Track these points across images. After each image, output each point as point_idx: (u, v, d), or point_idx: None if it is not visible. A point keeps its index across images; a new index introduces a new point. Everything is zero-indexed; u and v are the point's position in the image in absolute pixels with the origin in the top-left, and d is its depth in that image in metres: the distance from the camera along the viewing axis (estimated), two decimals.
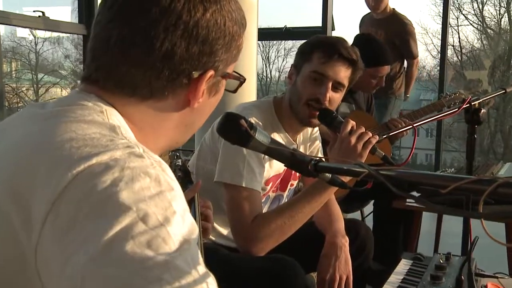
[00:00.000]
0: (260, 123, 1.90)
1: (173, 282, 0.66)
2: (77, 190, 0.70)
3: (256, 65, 3.96)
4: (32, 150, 0.78)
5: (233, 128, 1.20)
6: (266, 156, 1.86)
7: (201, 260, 0.72)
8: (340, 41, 1.94)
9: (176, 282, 0.66)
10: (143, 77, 0.87)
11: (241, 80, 1.02)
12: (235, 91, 1.03)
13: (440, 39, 5.70)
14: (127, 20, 0.85)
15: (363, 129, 1.84)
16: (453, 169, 3.02)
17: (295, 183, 2.19)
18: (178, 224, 0.71)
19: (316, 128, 2.21)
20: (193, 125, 1.00)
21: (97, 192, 0.69)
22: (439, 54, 6.48)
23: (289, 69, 2.04)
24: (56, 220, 0.69)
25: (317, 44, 1.95)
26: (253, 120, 1.85)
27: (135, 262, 0.65)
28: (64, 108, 0.85)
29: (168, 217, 0.70)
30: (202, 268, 0.71)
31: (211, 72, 0.91)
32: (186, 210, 0.74)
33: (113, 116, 0.85)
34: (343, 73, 1.92)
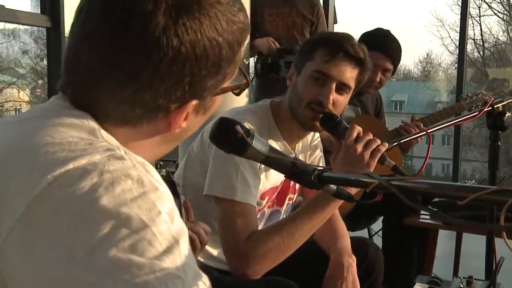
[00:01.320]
0: (256, 130, 1.91)
1: (161, 286, 0.71)
2: (54, 197, 0.75)
3: (249, 64, 4.02)
4: (5, 155, 0.83)
5: (227, 135, 1.24)
6: (262, 167, 1.93)
7: (193, 260, 0.78)
8: (346, 37, 1.97)
9: (164, 286, 0.72)
10: (115, 108, 0.90)
11: (242, 87, 1.04)
12: (238, 93, 1.06)
13: (459, 32, 5.70)
14: (96, 49, 0.88)
15: (370, 136, 1.87)
16: (474, 181, 3.05)
17: (293, 197, 2.23)
18: (165, 223, 0.76)
19: (317, 135, 2.26)
20: (180, 138, 1.04)
21: (75, 199, 0.74)
22: (457, 49, 6.53)
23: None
24: (28, 230, 0.74)
25: (320, 40, 2.00)
26: (248, 126, 1.88)
27: (119, 269, 0.71)
28: (41, 113, 0.91)
29: (152, 218, 0.75)
30: (193, 269, 0.77)
31: (194, 102, 0.93)
32: (174, 210, 0.79)
33: (93, 122, 0.90)
34: (349, 73, 1.95)
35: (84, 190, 0.75)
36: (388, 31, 3.32)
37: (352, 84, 1.98)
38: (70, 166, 0.77)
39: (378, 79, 3.21)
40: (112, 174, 0.77)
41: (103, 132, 0.88)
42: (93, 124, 0.89)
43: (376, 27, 3.36)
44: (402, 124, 3.13)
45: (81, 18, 0.90)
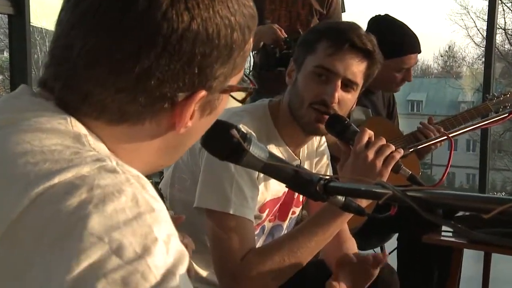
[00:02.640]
0: (253, 134, 1.91)
1: None
2: (36, 217, 0.75)
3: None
4: None
5: (222, 140, 1.26)
6: (261, 175, 1.94)
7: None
8: (352, 26, 1.99)
9: None
10: (112, 100, 0.90)
11: (250, 90, 1.06)
12: (242, 101, 1.09)
13: (487, 20, 5.70)
14: (92, 30, 0.88)
15: (383, 141, 1.89)
16: (504, 193, 3.05)
17: (297, 210, 2.24)
18: (161, 254, 0.76)
19: (324, 140, 2.28)
20: (182, 147, 1.05)
21: (61, 219, 0.74)
22: (484, 41, 6.51)
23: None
24: (9, 252, 0.75)
25: (322, 31, 2.02)
26: (244, 129, 1.87)
27: None
28: (14, 115, 0.89)
29: (148, 246, 0.75)
30: None
31: (202, 93, 0.94)
32: (172, 235, 0.80)
33: (79, 124, 0.90)
34: (356, 68, 1.97)
35: (72, 208, 0.75)
36: (389, 18, 3.39)
37: (359, 80, 1.99)
38: (55, 180, 0.77)
39: (411, 78, 3.34)
40: (103, 190, 0.77)
41: (90, 138, 0.88)
42: (78, 128, 0.89)
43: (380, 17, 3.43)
44: (420, 127, 3.15)
45: (72, 1, 0.91)
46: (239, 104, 1.18)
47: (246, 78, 1.06)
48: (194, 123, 0.98)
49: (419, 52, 3.33)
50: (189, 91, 0.93)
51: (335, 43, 1.95)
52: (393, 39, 3.18)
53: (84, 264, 0.72)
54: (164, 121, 0.95)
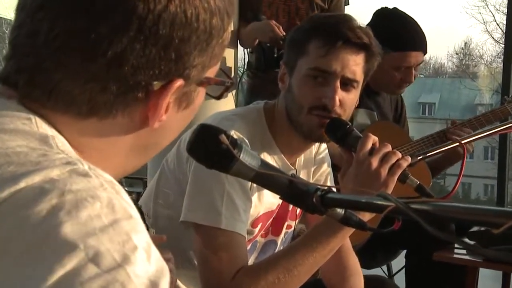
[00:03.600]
0: (246, 140, 1.92)
1: None
2: (2, 225, 0.75)
3: (236, 57, 3.99)
4: None
5: (209, 147, 1.26)
6: (254, 186, 1.95)
7: None
8: (344, 19, 1.99)
9: None
10: (82, 90, 0.90)
11: (227, 84, 1.08)
12: (219, 97, 1.09)
13: (506, 13, 5.66)
14: (61, 12, 0.88)
15: (389, 148, 1.89)
16: None
17: (293, 224, 2.24)
18: (142, 262, 0.76)
19: (324, 146, 2.28)
20: (156, 146, 1.06)
21: (30, 227, 0.74)
22: (504, 37, 6.48)
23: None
24: None
25: (311, 29, 2.01)
26: (235, 135, 1.89)
27: None
28: None
29: (127, 254, 0.75)
30: None
31: (179, 82, 0.96)
32: (152, 245, 0.80)
33: (45, 125, 0.90)
34: (354, 64, 1.97)
35: (41, 215, 0.74)
36: (393, 11, 3.39)
37: (359, 76, 1.99)
38: (22, 184, 0.77)
39: (412, 79, 3.30)
40: (75, 195, 0.77)
41: (58, 139, 0.88)
42: (44, 129, 0.89)
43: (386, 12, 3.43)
44: (450, 128, 3.16)
45: None
46: (226, 108, 1.19)
47: (223, 73, 1.07)
48: (170, 118, 0.99)
49: (423, 51, 3.31)
50: (165, 79, 0.94)
51: (328, 41, 1.95)
52: (393, 31, 3.20)
53: (59, 274, 0.71)
54: (137, 114, 0.96)
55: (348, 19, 1.99)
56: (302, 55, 1.99)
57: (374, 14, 3.42)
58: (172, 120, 1.01)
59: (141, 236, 0.78)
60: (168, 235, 1.59)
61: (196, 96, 1.03)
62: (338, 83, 1.96)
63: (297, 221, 2.27)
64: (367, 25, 2.03)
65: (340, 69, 1.95)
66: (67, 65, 0.89)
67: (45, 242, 0.73)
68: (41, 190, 0.76)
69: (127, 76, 0.90)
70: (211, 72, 1.03)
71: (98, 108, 0.92)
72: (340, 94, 1.96)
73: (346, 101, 1.99)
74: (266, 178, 1.30)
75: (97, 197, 0.78)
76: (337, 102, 1.95)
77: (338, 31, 1.94)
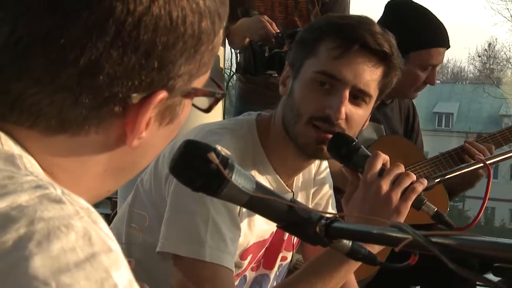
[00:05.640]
0: (236, 158, 1.91)
1: None
2: None
3: (224, 57, 3.98)
4: None
5: (196, 166, 1.26)
6: (243, 211, 1.95)
7: None
8: (364, 22, 2.00)
9: None
10: (50, 103, 0.91)
11: (217, 96, 1.08)
12: (208, 110, 1.10)
13: None
14: (24, 14, 0.88)
15: (402, 168, 1.90)
16: None
17: (289, 255, 2.25)
18: None
19: (325, 165, 2.30)
20: (134, 166, 1.07)
21: None
22: None
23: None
24: None
25: (326, 27, 2.02)
26: (223, 152, 1.89)
27: None
28: None
29: None
30: None
31: (162, 94, 0.96)
32: (134, 282, 0.81)
33: (10, 142, 0.91)
34: (369, 75, 1.97)
35: (7, 247, 0.75)
36: (412, 3, 3.42)
37: (373, 90, 1.99)
38: None
39: (435, 81, 3.32)
40: (47, 224, 0.77)
41: (26, 159, 0.89)
42: (9, 147, 0.90)
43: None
44: (465, 145, 3.15)
45: None
46: (212, 118, 1.19)
47: (213, 82, 1.07)
48: (150, 134, 0.99)
49: (448, 47, 3.33)
50: (146, 91, 0.94)
51: (342, 42, 1.94)
52: (416, 27, 3.21)
53: None
54: (114, 130, 0.96)
55: (369, 22, 1.99)
56: (310, 55, 1.99)
57: (386, 7, 3.42)
58: (153, 137, 1.01)
59: (122, 273, 0.79)
60: (144, 267, 1.59)
61: (181, 110, 1.04)
62: (347, 93, 1.95)
63: (293, 251, 2.27)
64: (378, 21, 2.03)
65: (352, 78, 1.94)
66: (31, 74, 0.89)
67: (9, 279, 0.73)
68: (7, 218, 0.77)
69: (102, 87, 0.91)
70: (199, 82, 1.03)
71: (69, 122, 0.93)
72: (347, 107, 1.95)
73: (354, 116, 1.98)
74: (262, 204, 1.30)
75: (72, 226, 0.78)
76: (343, 115, 1.94)
77: (356, 33, 1.94)
